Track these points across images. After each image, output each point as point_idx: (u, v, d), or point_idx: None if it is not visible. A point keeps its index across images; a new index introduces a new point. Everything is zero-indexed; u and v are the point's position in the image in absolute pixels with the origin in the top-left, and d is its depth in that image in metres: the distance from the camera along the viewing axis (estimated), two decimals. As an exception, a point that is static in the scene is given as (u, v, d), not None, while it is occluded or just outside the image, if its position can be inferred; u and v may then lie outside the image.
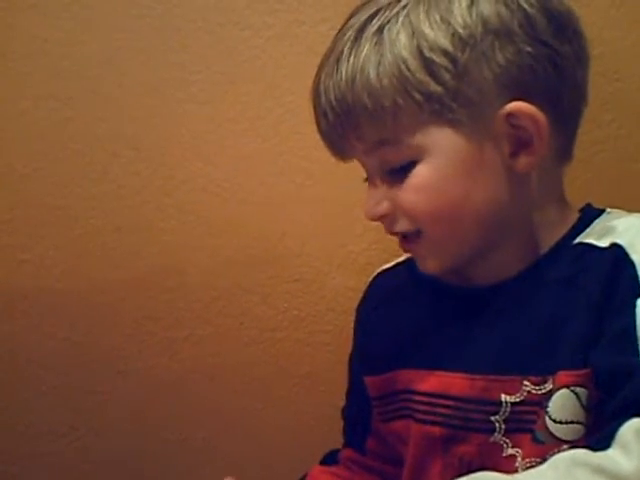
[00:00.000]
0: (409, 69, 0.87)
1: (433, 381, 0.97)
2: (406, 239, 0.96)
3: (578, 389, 0.87)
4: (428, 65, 0.87)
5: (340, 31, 0.93)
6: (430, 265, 0.97)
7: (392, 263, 1.09)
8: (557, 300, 0.91)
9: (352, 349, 1.11)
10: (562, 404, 0.87)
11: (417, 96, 0.87)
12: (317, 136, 0.96)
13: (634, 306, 0.84)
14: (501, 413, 0.92)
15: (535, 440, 0.89)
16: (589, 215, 0.96)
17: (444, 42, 0.87)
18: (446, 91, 0.87)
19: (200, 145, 1.33)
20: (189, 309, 1.37)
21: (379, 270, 1.11)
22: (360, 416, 1.08)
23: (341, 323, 1.27)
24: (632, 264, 0.86)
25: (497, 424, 0.92)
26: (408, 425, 1.00)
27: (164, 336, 1.38)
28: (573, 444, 0.86)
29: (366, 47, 0.89)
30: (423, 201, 0.91)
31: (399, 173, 0.91)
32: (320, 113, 0.94)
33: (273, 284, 1.35)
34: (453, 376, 0.95)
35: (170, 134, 1.34)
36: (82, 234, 1.35)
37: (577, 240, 0.93)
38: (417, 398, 0.98)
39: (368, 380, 1.05)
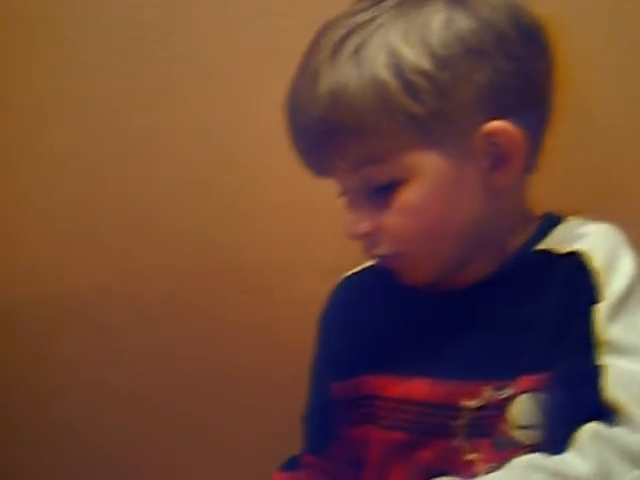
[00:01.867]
0: (390, 90, 0.87)
1: (397, 387, 0.97)
2: (385, 260, 0.96)
3: (539, 394, 0.88)
4: (409, 86, 0.87)
5: (312, 50, 0.93)
6: (410, 279, 0.98)
7: (358, 268, 1.09)
8: (518, 306, 0.92)
9: (316, 355, 1.11)
10: (522, 409, 0.88)
11: (400, 117, 0.88)
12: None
13: (592, 312, 0.85)
14: (462, 418, 0.92)
15: (496, 445, 0.90)
16: (549, 222, 0.98)
17: (424, 63, 0.87)
18: (428, 112, 0.88)
19: (157, 154, 1.33)
20: (146, 320, 1.36)
21: (345, 275, 1.11)
22: (323, 422, 1.08)
23: (301, 333, 1.27)
24: (590, 270, 0.88)
25: (459, 429, 0.92)
26: (371, 431, 1.00)
27: (119, 348, 1.37)
28: (533, 449, 0.86)
29: (346, 67, 0.89)
30: (407, 223, 0.91)
31: (382, 193, 0.91)
32: (299, 132, 0.93)
33: (234, 294, 1.35)
34: (416, 382, 0.96)
35: (123, 144, 1.34)
36: (33, 244, 1.35)
37: (537, 247, 0.95)
38: (381, 404, 0.99)
39: (333, 386, 1.05)
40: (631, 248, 0.91)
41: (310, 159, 0.95)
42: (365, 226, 0.93)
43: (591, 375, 0.83)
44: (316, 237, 1.31)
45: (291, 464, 1.12)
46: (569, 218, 0.98)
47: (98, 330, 1.37)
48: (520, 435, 0.88)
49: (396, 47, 0.88)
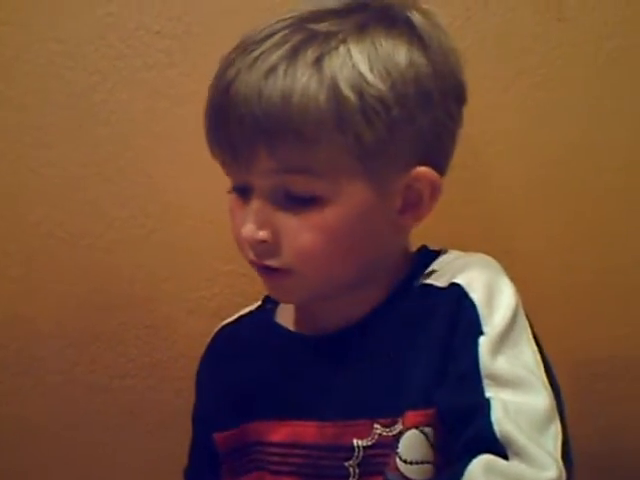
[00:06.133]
0: (348, 107, 0.86)
1: (284, 431, 0.96)
2: (271, 272, 0.93)
3: (426, 429, 0.88)
4: (367, 109, 0.86)
5: (260, 38, 0.89)
6: (289, 298, 0.97)
7: (234, 317, 1.08)
8: (402, 341, 0.92)
9: (195, 407, 1.09)
10: (411, 444, 0.88)
11: (349, 135, 0.87)
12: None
13: (476, 345, 0.85)
14: (354, 458, 0.92)
15: (386, 481, 0.89)
16: (427, 256, 0.98)
17: (386, 94, 0.87)
18: (375, 140, 0.87)
19: (47, 190, 1.30)
20: (39, 357, 1.34)
21: (221, 325, 1.09)
22: (206, 474, 1.05)
23: (193, 369, 1.25)
24: (472, 303, 0.88)
25: (351, 469, 0.92)
26: (262, 477, 0.99)
27: (13, 385, 1.35)
28: None
29: (307, 72, 0.86)
30: (318, 243, 0.89)
31: (297, 203, 0.89)
32: (233, 117, 0.88)
33: (123, 330, 1.33)
34: (304, 425, 0.95)
35: (17, 179, 1.31)
36: None
37: (418, 282, 0.95)
38: (269, 449, 0.98)
39: (217, 436, 1.02)
40: (508, 277, 0.92)
41: (230, 147, 0.90)
42: (264, 234, 0.91)
43: (479, 409, 0.82)
44: (204, 275, 1.30)
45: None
46: (447, 250, 0.99)
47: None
48: (410, 470, 0.88)
49: (361, 69, 0.87)
